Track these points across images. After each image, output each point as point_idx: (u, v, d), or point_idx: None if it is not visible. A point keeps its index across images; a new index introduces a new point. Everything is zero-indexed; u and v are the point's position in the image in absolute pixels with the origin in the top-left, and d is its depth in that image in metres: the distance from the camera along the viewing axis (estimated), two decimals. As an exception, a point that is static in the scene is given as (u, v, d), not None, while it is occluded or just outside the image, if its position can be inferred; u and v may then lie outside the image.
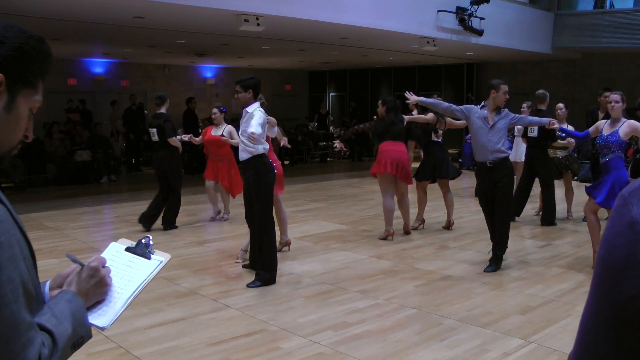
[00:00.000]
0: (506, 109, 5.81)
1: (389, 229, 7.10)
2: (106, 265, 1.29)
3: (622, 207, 0.82)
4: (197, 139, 8.17)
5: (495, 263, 5.78)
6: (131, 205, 9.20)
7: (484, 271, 5.72)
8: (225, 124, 7.95)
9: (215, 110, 8.04)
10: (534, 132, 7.87)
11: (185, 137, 7.75)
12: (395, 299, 4.95)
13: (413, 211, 7.72)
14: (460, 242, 7.02)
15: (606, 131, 5.54)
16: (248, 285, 5.28)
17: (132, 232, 7.40)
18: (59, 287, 1.26)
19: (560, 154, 8.28)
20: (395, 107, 7.05)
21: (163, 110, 7.68)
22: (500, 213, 5.75)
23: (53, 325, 1.07)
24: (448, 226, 7.74)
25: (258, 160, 5.34)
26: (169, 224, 7.72)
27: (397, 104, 7.10)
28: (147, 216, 7.59)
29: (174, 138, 7.57)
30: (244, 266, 5.84)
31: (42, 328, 1.05)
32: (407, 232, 7.40)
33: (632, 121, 5.52)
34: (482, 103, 5.83)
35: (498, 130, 5.67)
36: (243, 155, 5.39)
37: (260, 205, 5.34)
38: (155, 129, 7.63)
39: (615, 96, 5.54)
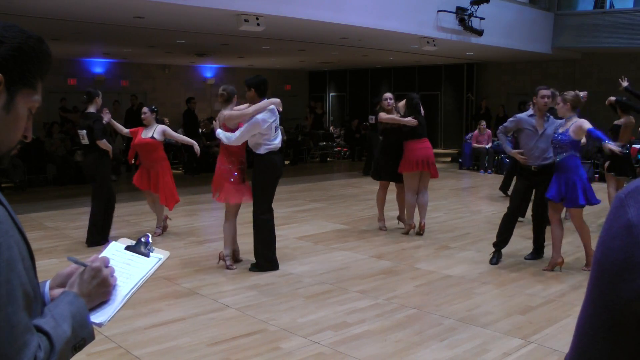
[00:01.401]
0: (550, 116, 5.92)
1: (410, 223, 7.38)
2: (109, 265, 1.28)
3: (619, 209, 0.81)
4: (124, 130, 7.44)
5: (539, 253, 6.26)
6: (131, 205, 9.21)
7: (525, 259, 6.22)
8: (157, 124, 7.14)
9: (145, 109, 7.20)
10: None
11: (105, 118, 6.90)
12: (395, 299, 4.95)
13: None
14: (460, 242, 7.02)
15: (561, 129, 5.60)
16: (251, 269, 5.78)
17: (131, 233, 7.40)
18: (59, 287, 1.26)
19: None
20: (412, 105, 7.29)
21: (92, 109, 6.76)
22: (543, 214, 6.06)
23: (51, 328, 1.06)
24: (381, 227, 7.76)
25: (258, 158, 5.71)
26: (94, 240, 6.71)
27: (413, 102, 7.31)
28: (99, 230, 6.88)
29: (104, 141, 6.68)
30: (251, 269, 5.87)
31: (40, 330, 1.04)
32: (421, 231, 7.37)
33: (580, 120, 5.54)
34: (530, 111, 5.97)
35: (547, 137, 5.80)
36: (253, 150, 5.80)
37: (255, 200, 5.74)
38: (84, 131, 6.72)
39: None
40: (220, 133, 5.59)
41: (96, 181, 6.88)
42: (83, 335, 1.15)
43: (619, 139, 7.89)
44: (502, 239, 6.13)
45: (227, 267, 5.83)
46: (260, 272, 5.72)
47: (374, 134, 7.59)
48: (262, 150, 5.63)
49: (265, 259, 5.78)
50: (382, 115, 7.34)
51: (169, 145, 15.45)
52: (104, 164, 6.85)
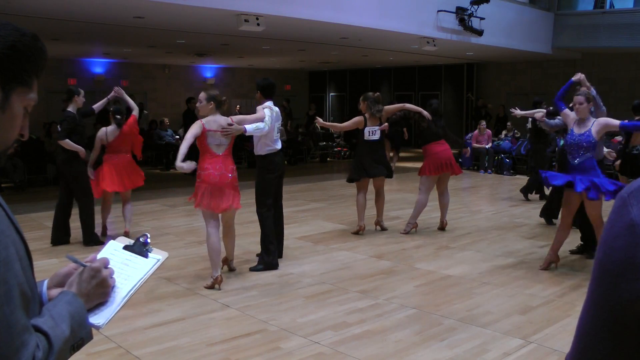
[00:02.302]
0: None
1: (414, 223, 7.47)
2: (109, 266, 1.28)
3: (621, 208, 0.80)
4: (131, 102, 7.24)
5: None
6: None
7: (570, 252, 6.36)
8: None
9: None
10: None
11: (116, 92, 6.96)
12: (395, 299, 4.95)
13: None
14: (460, 242, 7.02)
15: (577, 130, 5.43)
16: (251, 269, 5.74)
17: (131, 232, 7.40)
18: (57, 286, 1.26)
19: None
20: (434, 109, 7.46)
21: (71, 108, 6.60)
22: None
23: (49, 327, 1.06)
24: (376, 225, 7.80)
25: (260, 159, 5.89)
26: (90, 239, 6.78)
27: (434, 107, 7.51)
28: (57, 231, 6.87)
29: (66, 141, 6.48)
30: (251, 269, 5.86)
31: (38, 330, 1.04)
32: (443, 227, 7.63)
33: (601, 118, 5.46)
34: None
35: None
36: (256, 151, 5.90)
37: (257, 200, 5.90)
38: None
39: (579, 97, 5.42)
40: (251, 128, 5.38)
41: (72, 183, 6.76)
42: (81, 335, 1.14)
43: (632, 141, 7.85)
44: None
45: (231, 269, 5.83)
46: (261, 271, 5.72)
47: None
48: (264, 151, 5.82)
49: (271, 255, 5.82)
50: (408, 105, 7.49)
51: (169, 145, 15.49)
52: (77, 163, 6.68)
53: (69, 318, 1.11)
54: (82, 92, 6.74)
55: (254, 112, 5.76)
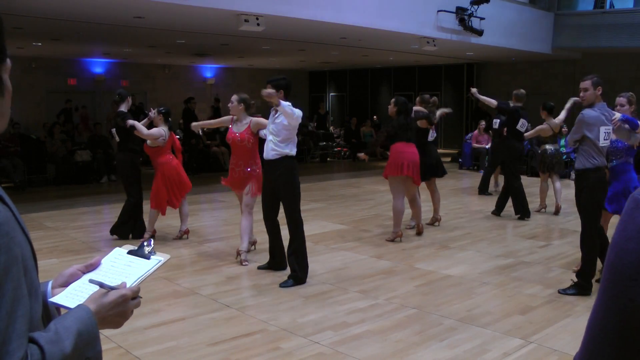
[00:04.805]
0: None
1: (397, 231, 7.03)
2: (137, 298, 1.25)
3: (634, 210, 0.79)
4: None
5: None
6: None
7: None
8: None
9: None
10: (524, 127, 8.30)
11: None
12: (395, 299, 4.95)
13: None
14: (460, 242, 7.02)
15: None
16: (281, 285, 5.28)
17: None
18: (61, 287, 1.26)
19: (549, 148, 8.41)
20: (407, 109, 7.05)
21: (123, 108, 7.02)
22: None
23: (47, 342, 1.01)
24: (433, 222, 7.96)
25: (288, 161, 5.44)
26: (119, 231, 7.06)
27: (408, 106, 7.09)
28: (119, 225, 7.10)
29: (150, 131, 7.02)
30: (260, 267, 5.85)
31: (35, 342, 1.00)
32: (420, 232, 7.35)
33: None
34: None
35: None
36: (270, 155, 5.43)
37: (290, 207, 5.59)
38: (115, 129, 7.06)
39: (621, 99, 5.30)
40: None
41: (124, 177, 7.23)
42: (88, 354, 1.10)
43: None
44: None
45: (242, 263, 5.91)
46: (265, 272, 5.67)
47: None
48: (294, 151, 5.51)
49: (305, 268, 5.46)
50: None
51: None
52: (135, 160, 7.16)
53: (76, 335, 1.07)
54: (130, 94, 7.32)
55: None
